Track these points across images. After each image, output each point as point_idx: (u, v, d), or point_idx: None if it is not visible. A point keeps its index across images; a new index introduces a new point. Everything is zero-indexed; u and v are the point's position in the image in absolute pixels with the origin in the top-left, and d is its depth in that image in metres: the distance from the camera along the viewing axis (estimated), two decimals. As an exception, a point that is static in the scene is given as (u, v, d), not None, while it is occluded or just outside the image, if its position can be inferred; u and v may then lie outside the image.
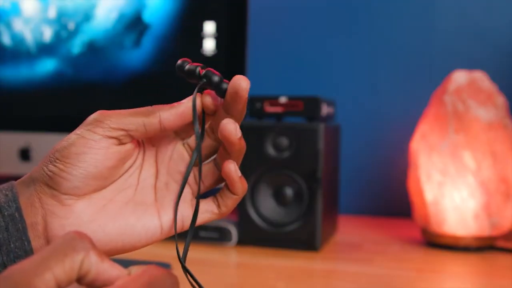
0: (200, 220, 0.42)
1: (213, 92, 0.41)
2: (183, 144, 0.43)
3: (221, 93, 0.40)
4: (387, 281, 0.66)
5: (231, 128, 0.38)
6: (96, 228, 0.40)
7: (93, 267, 0.28)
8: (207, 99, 0.40)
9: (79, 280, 0.28)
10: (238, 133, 0.39)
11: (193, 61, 0.42)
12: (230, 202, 0.42)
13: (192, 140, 0.43)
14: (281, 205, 0.81)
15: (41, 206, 0.39)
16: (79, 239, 0.28)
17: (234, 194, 0.41)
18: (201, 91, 0.41)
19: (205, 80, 0.40)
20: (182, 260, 0.40)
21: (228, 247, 0.81)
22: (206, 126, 0.43)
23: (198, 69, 0.40)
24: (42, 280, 0.25)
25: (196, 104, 0.40)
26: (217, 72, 0.40)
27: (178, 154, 0.43)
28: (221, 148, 0.41)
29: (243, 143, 0.40)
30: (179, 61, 0.41)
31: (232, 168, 0.40)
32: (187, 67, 0.40)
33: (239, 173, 0.40)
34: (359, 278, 0.67)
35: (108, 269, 0.28)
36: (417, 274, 0.70)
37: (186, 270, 0.39)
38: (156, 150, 0.43)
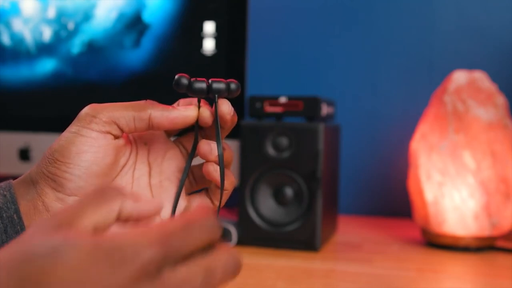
0: None
1: (209, 107, 0.41)
2: (178, 145, 0.44)
3: (233, 94, 0.42)
4: (387, 281, 0.66)
5: (225, 109, 0.41)
6: None
7: (130, 210, 0.30)
8: (206, 113, 0.41)
9: (120, 222, 0.30)
10: (232, 112, 0.42)
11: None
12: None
13: (186, 141, 0.45)
14: (281, 205, 0.81)
15: (46, 209, 0.39)
16: (111, 188, 0.30)
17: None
18: (199, 102, 0.42)
19: (217, 95, 0.41)
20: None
21: (228, 247, 0.81)
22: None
23: (206, 87, 0.41)
24: (82, 222, 0.28)
25: (218, 116, 0.41)
26: (221, 80, 0.41)
27: (172, 154, 0.44)
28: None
29: (235, 119, 0.43)
30: (183, 80, 0.41)
31: (211, 169, 0.41)
32: (196, 85, 0.40)
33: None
34: (359, 278, 0.67)
35: (144, 205, 0.31)
36: (417, 274, 0.70)
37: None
38: (148, 150, 0.44)
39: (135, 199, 0.30)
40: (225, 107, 0.41)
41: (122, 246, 0.26)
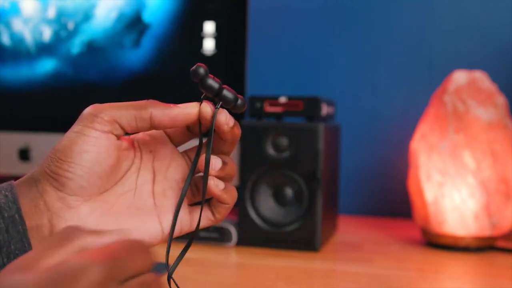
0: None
1: (212, 105, 0.41)
2: (184, 156, 0.44)
3: (237, 109, 0.41)
4: (387, 281, 0.66)
5: (222, 118, 0.40)
6: None
7: (92, 245, 0.31)
8: (207, 109, 0.40)
9: None
10: (230, 122, 0.41)
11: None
12: (222, 210, 0.43)
13: (191, 151, 0.44)
14: (281, 205, 0.81)
15: (47, 209, 0.39)
16: (72, 229, 0.31)
17: (223, 203, 0.42)
18: (201, 100, 0.41)
19: (221, 102, 0.40)
20: (169, 272, 0.41)
21: (228, 247, 0.81)
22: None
23: (218, 87, 0.40)
24: (45, 263, 0.29)
25: (214, 120, 0.41)
26: (232, 90, 0.41)
27: (177, 163, 0.44)
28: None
29: (236, 131, 0.42)
30: (201, 70, 0.40)
31: (212, 184, 0.41)
32: (209, 82, 0.40)
33: (222, 186, 0.41)
34: (359, 278, 0.67)
35: (107, 237, 0.31)
36: (417, 274, 0.70)
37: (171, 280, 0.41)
38: (153, 157, 0.43)
39: (97, 234, 0.31)
40: (223, 117, 0.40)
41: (70, 268, 0.27)
